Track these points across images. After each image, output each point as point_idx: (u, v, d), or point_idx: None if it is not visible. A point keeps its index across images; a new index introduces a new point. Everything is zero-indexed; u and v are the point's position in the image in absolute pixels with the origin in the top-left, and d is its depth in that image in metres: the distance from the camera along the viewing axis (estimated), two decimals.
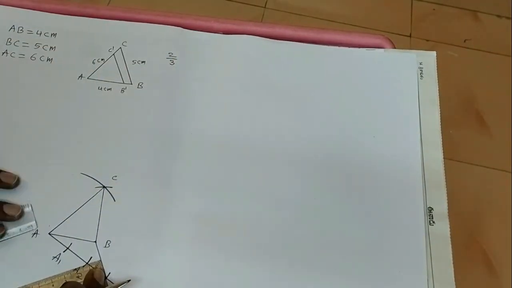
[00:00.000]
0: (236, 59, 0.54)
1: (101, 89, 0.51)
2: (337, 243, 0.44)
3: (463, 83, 1.24)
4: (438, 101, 0.51)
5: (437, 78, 0.52)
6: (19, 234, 0.43)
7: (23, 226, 0.43)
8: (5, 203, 0.44)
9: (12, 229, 0.43)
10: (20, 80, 0.52)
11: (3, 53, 0.53)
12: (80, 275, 0.42)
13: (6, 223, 0.43)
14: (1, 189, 0.45)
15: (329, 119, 0.50)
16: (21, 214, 0.44)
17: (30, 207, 0.44)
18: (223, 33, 0.56)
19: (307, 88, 0.52)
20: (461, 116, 1.20)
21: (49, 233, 0.44)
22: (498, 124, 1.18)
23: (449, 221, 0.45)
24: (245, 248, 0.44)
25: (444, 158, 0.48)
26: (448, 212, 0.45)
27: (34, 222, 0.44)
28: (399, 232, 0.45)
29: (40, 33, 0.54)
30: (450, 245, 0.44)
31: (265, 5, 1.37)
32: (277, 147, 0.49)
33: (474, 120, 1.19)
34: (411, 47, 1.27)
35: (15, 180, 0.45)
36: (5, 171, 0.45)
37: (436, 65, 0.53)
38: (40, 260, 0.43)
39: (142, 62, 0.53)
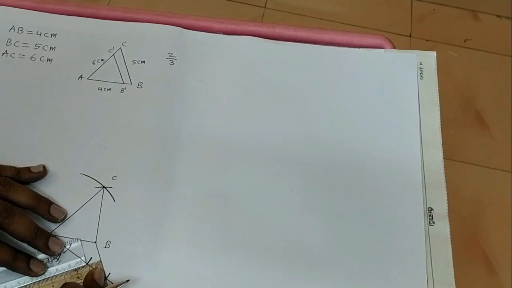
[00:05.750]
0: (236, 59, 0.54)
1: (101, 89, 0.51)
2: (337, 243, 0.44)
3: (463, 83, 1.24)
4: (438, 101, 0.51)
5: (437, 78, 0.52)
6: (68, 270, 0.42)
7: (72, 262, 0.42)
8: (52, 235, 0.43)
9: (62, 265, 0.42)
10: (20, 81, 0.52)
11: (3, 53, 0.53)
12: (80, 275, 0.42)
13: (54, 259, 0.43)
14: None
15: (329, 120, 0.50)
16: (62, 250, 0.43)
17: (79, 242, 0.43)
18: (223, 33, 0.56)
19: (307, 88, 0.52)
20: (461, 116, 1.20)
21: None
22: (498, 124, 1.18)
23: (449, 221, 0.45)
24: (245, 248, 0.44)
25: (444, 158, 0.48)
26: (448, 212, 0.45)
27: (84, 257, 0.43)
28: (399, 232, 0.45)
29: (40, 34, 0.54)
30: (450, 245, 0.44)
31: (265, 5, 1.37)
32: (277, 147, 0.49)
33: (474, 120, 1.19)
34: (411, 47, 1.27)
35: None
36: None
37: (436, 65, 0.53)
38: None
39: (142, 62, 0.53)
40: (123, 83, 0.52)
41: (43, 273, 0.42)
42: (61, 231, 0.44)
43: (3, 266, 0.41)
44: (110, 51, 0.53)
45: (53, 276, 0.42)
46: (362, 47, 0.55)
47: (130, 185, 0.46)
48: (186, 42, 0.54)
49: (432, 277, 0.43)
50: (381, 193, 0.46)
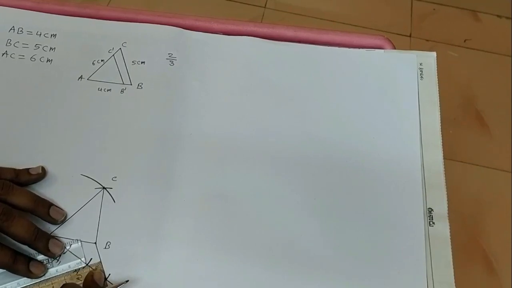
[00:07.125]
0: (236, 59, 0.54)
1: (101, 90, 0.51)
2: (337, 243, 0.44)
3: (463, 83, 1.24)
4: (438, 102, 0.51)
5: (437, 79, 0.52)
6: (68, 271, 0.42)
7: (72, 263, 0.42)
8: (52, 237, 0.43)
9: (62, 266, 0.42)
10: (20, 81, 0.52)
11: (3, 54, 0.53)
12: (80, 276, 0.42)
13: (54, 260, 0.43)
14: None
15: (329, 120, 0.50)
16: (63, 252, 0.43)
17: (79, 243, 0.43)
18: (223, 34, 0.56)
19: (307, 89, 0.52)
20: (461, 116, 1.20)
21: None
22: (498, 124, 1.18)
23: (449, 221, 0.45)
24: (245, 248, 0.44)
25: (444, 158, 0.48)
26: (448, 213, 0.45)
27: (84, 258, 0.43)
28: (399, 233, 0.45)
29: (40, 34, 0.54)
30: (450, 246, 0.44)
31: (265, 5, 1.37)
32: (277, 147, 0.49)
33: (474, 120, 1.19)
34: (411, 47, 1.27)
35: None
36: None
37: (436, 66, 0.53)
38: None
39: (142, 62, 0.53)
40: (123, 83, 0.52)
41: (43, 275, 0.42)
42: (61, 232, 0.44)
43: (3, 268, 0.41)
44: (110, 51, 0.53)
45: (53, 277, 0.42)
46: (362, 48, 0.55)
47: (130, 186, 0.46)
48: (186, 43, 0.54)
49: (432, 277, 0.43)
50: (381, 193, 0.46)
